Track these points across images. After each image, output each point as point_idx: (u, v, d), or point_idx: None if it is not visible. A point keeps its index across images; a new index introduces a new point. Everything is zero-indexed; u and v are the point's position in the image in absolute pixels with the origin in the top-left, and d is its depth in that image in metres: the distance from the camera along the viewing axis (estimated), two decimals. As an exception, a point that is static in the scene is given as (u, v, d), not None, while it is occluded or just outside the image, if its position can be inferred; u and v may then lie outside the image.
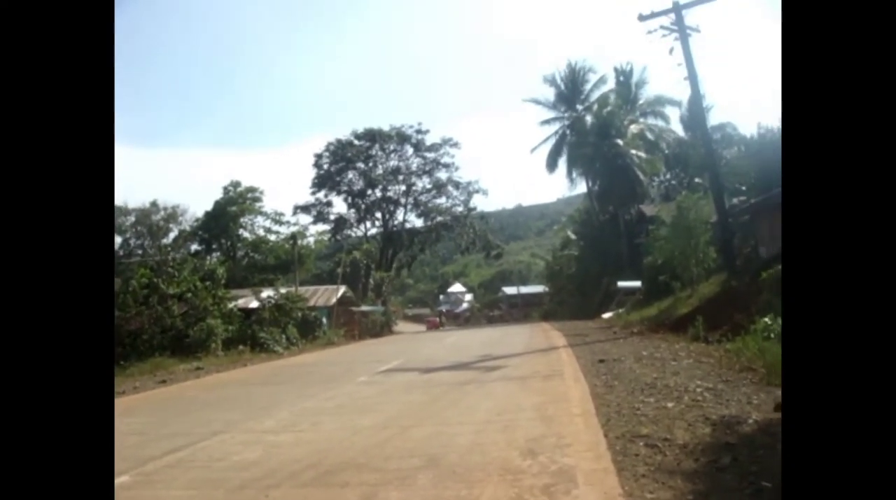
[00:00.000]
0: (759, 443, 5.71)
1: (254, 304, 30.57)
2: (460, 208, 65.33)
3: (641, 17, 25.21)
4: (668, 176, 58.65)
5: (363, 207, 63.99)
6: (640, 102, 56.30)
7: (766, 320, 13.18)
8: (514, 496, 4.69)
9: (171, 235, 55.38)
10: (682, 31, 24.54)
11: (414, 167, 65.08)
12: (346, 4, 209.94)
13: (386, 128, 63.87)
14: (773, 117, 33.19)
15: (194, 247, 53.73)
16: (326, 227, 63.47)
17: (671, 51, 24.87)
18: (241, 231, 55.48)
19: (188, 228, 55.74)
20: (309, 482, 5.52)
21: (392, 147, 64.27)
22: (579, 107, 57.00)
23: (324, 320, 34.91)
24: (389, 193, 64.42)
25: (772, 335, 12.10)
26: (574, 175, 55.59)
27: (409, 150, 64.74)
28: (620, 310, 35.62)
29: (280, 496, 5.18)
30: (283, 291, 32.76)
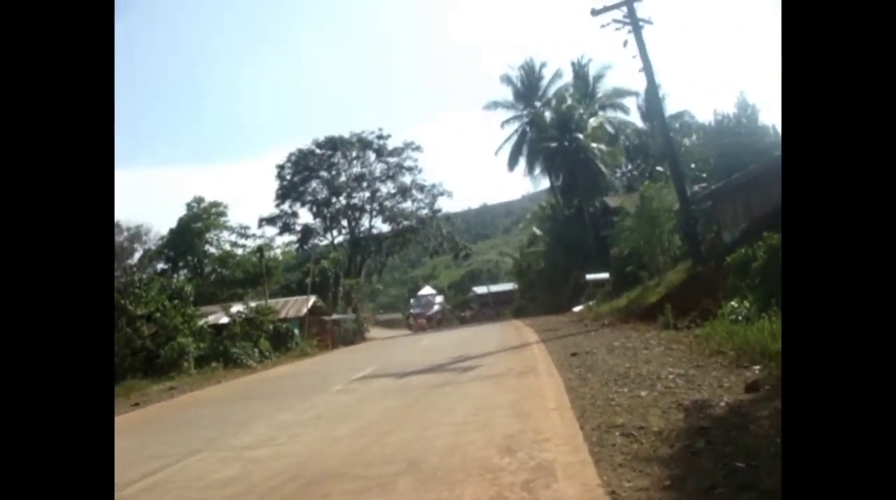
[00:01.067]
0: (732, 424, 5.83)
1: (224, 319, 30.31)
2: (426, 211, 65.41)
3: (594, 12, 25.46)
4: (629, 167, 59.30)
5: (329, 215, 63.76)
6: (599, 94, 56.97)
7: (733, 303, 13.40)
8: (494, 495, 4.73)
9: (136, 256, 54.64)
10: (634, 24, 24.84)
11: (377, 173, 65.10)
12: (300, 15, 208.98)
13: (347, 135, 63.72)
14: (728, 104, 33.61)
15: (160, 266, 53.02)
16: (293, 237, 63.24)
17: (625, 44, 25.17)
18: (207, 247, 54.91)
19: (153, 248, 55.08)
20: (290, 495, 5.52)
21: (354, 154, 64.18)
22: (537, 103, 57.43)
23: (296, 331, 34.77)
24: (354, 200, 64.35)
25: (739, 318, 12.31)
26: (536, 171, 56.07)
27: (372, 156, 64.78)
28: (591, 302, 35.89)
29: (262, 511, 5.17)
30: (252, 304, 32.52)
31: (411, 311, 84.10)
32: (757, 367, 8.53)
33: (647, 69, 25.14)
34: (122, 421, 13.16)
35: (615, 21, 25.17)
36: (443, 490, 5.01)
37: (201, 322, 28.14)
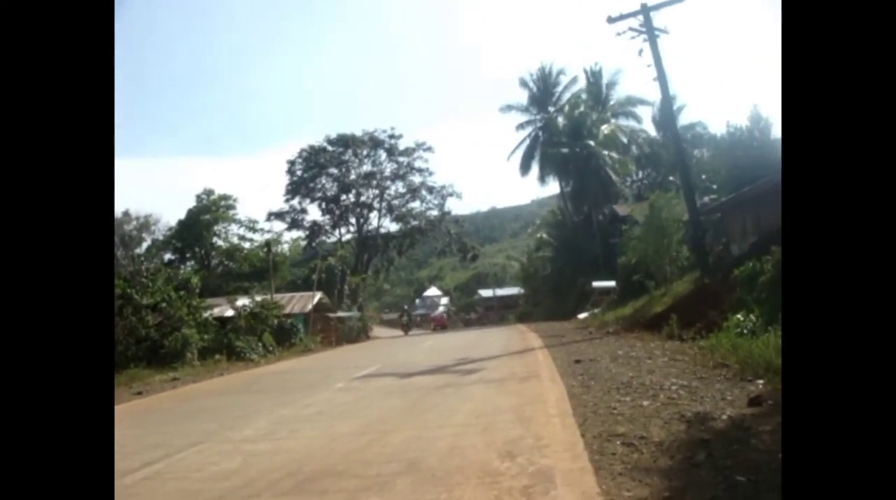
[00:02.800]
0: (733, 438, 5.81)
1: (229, 312, 30.37)
2: (435, 212, 65.36)
3: (610, 20, 25.42)
4: (640, 175, 59.25)
5: (337, 212, 63.75)
6: (612, 102, 57.01)
7: (739, 316, 13.37)
8: (493, 499, 4.72)
9: (145, 245, 54.85)
10: (650, 33, 24.78)
11: (388, 172, 65.06)
12: (316, 12, 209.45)
13: (359, 133, 63.78)
14: (741, 116, 33.57)
15: (168, 256, 53.17)
16: (301, 233, 63.26)
17: (640, 52, 25.11)
18: (214, 239, 54.95)
19: (161, 238, 55.22)
20: (288, 491, 5.51)
21: (365, 152, 64.15)
22: (551, 109, 57.55)
23: (300, 326, 34.79)
24: (363, 198, 64.26)
25: (744, 332, 12.29)
26: (547, 177, 56.00)
27: (383, 154, 64.70)
28: (596, 310, 35.85)
29: (259, 506, 5.16)
30: (258, 298, 32.59)
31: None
32: (761, 381, 8.52)
33: (662, 79, 25.09)
34: (123, 410, 13.18)
35: (631, 29, 25.14)
36: (441, 492, 5.00)
37: (206, 314, 28.17)
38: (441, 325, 64.92)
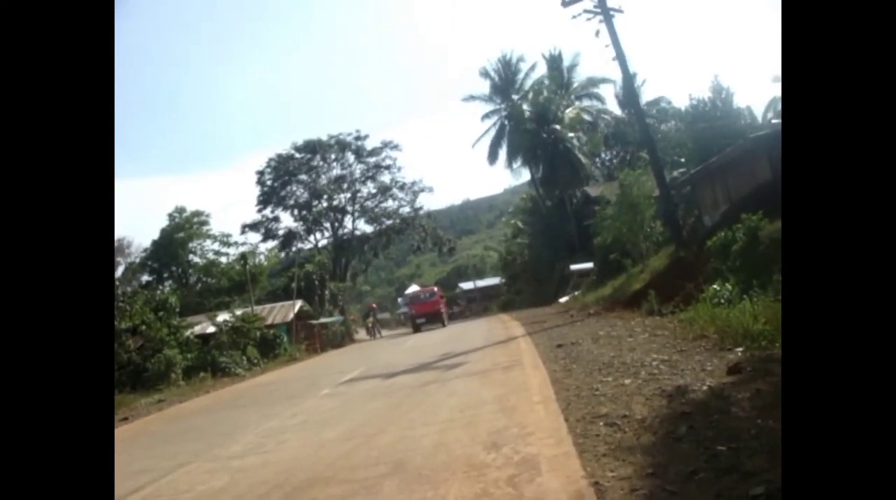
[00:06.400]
0: (713, 408, 5.87)
1: (211, 329, 30.19)
2: (408, 209, 65.37)
3: (564, 3, 25.50)
4: (609, 155, 59.42)
5: (311, 218, 63.50)
6: (574, 85, 57.04)
7: (715, 286, 13.51)
8: (479, 492, 4.74)
9: (120, 269, 54.32)
10: (605, 14, 24.89)
11: (357, 174, 64.90)
12: (273, 22, 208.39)
13: (325, 137, 63.59)
14: (703, 88, 33.69)
15: (145, 278, 52.80)
16: (276, 243, 63.00)
17: (597, 33, 25.19)
18: (190, 257, 54.67)
19: (137, 260, 54.79)
20: (277, 503, 5.51)
21: (333, 156, 63.93)
22: (514, 96, 57.38)
23: (283, 336, 34.62)
24: (335, 202, 64.05)
25: (721, 301, 12.41)
26: (516, 164, 56.00)
27: (351, 157, 64.51)
28: (576, 293, 36.01)
29: (248, 521, 5.15)
30: (239, 312, 32.42)
31: (398, 310, 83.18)
32: (739, 349, 8.61)
33: (621, 58, 25.19)
34: (109, 437, 13.06)
35: (586, 11, 25.22)
36: (428, 490, 5.02)
37: (188, 333, 28.02)
38: (428, 312, 42.48)
